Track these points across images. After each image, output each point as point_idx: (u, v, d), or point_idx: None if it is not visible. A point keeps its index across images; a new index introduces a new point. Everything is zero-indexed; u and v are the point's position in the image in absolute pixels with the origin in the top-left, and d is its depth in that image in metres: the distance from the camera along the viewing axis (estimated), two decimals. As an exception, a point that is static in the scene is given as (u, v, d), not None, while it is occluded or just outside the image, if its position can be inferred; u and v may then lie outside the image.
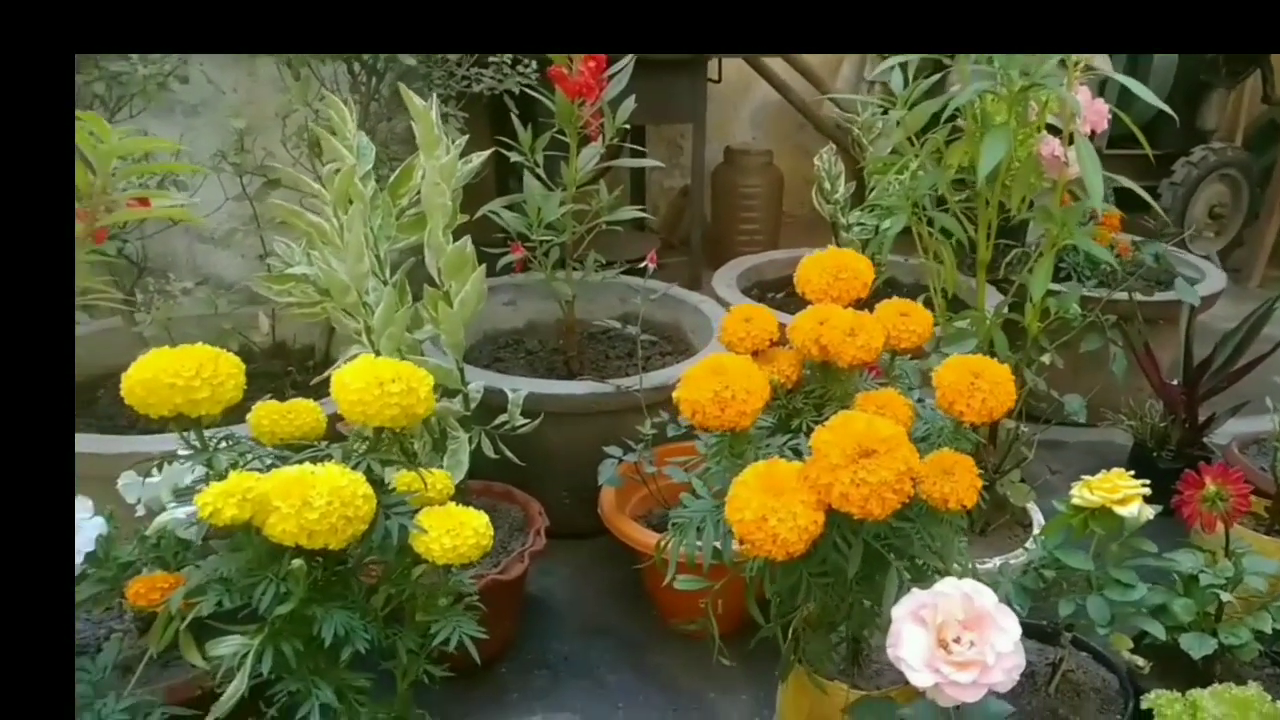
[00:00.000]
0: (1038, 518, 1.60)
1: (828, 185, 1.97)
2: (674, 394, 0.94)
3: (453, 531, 0.91)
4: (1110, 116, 1.35)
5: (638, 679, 1.55)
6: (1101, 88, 2.32)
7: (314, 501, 0.80)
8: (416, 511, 0.91)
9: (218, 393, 0.86)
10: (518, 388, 1.54)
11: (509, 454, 1.51)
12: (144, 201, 0.98)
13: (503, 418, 1.51)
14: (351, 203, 1.17)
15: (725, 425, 0.90)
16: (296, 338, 1.83)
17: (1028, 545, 1.48)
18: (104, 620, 1.23)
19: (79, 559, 1.12)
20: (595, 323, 2.03)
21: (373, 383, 0.88)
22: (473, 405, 1.44)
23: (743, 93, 3.86)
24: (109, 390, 1.65)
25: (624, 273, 1.94)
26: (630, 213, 1.80)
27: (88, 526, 1.15)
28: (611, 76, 1.65)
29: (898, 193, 1.58)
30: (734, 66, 3.24)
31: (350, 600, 0.87)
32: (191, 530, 1.18)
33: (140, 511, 1.22)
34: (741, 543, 0.86)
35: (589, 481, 1.69)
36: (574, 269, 1.84)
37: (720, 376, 0.90)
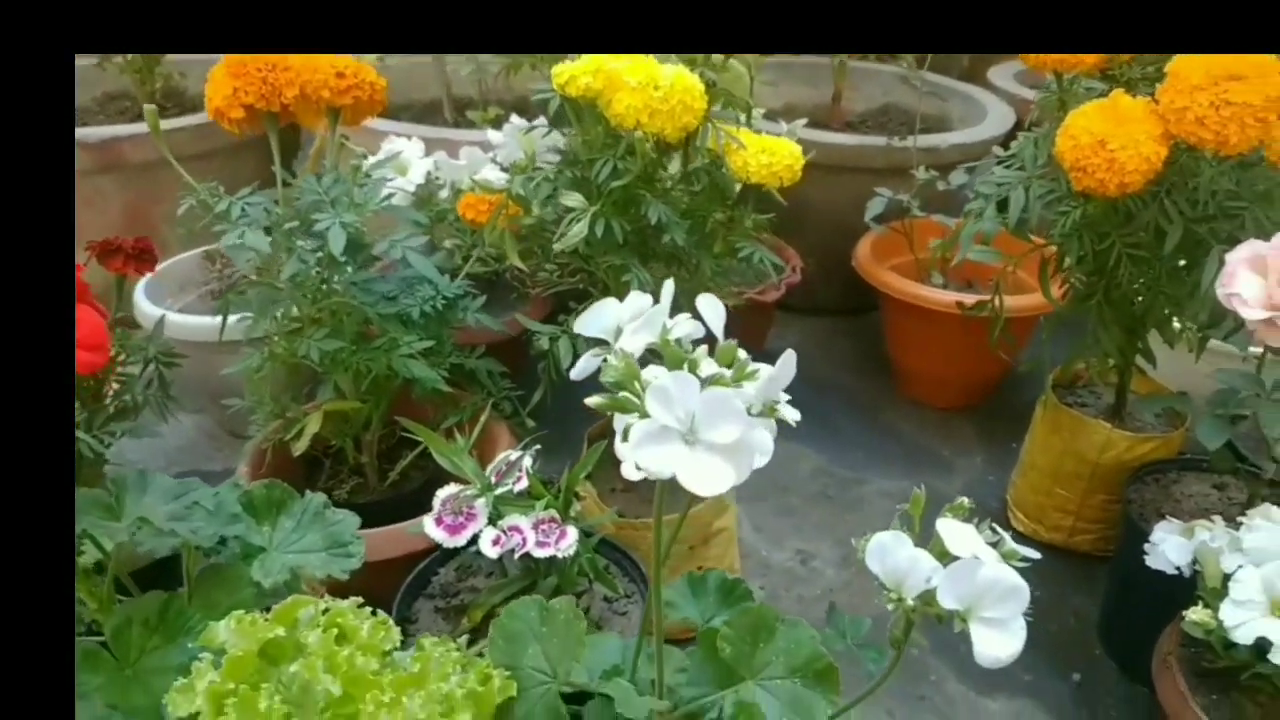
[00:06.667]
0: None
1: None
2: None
3: (768, 151, 0.95)
4: None
5: (872, 431, 1.58)
6: None
7: (660, 82, 0.86)
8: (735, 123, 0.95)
9: None
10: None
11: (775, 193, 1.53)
12: None
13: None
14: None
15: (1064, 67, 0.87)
16: None
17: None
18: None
19: (410, 187, 1.26)
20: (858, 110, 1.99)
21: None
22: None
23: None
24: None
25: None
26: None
27: (419, 165, 1.28)
28: None
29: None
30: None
31: (667, 199, 0.93)
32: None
33: (445, 194, 1.33)
34: (1072, 173, 0.84)
35: (837, 250, 1.69)
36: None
37: None
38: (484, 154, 1.33)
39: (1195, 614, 0.74)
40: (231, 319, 1.02)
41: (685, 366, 0.39)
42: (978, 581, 0.39)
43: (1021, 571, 0.41)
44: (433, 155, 1.33)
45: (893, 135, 1.67)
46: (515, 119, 1.20)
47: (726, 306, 0.55)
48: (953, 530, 0.42)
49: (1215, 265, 0.90)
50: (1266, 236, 0.88)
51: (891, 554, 0.42)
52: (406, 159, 1.28)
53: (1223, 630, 0.71)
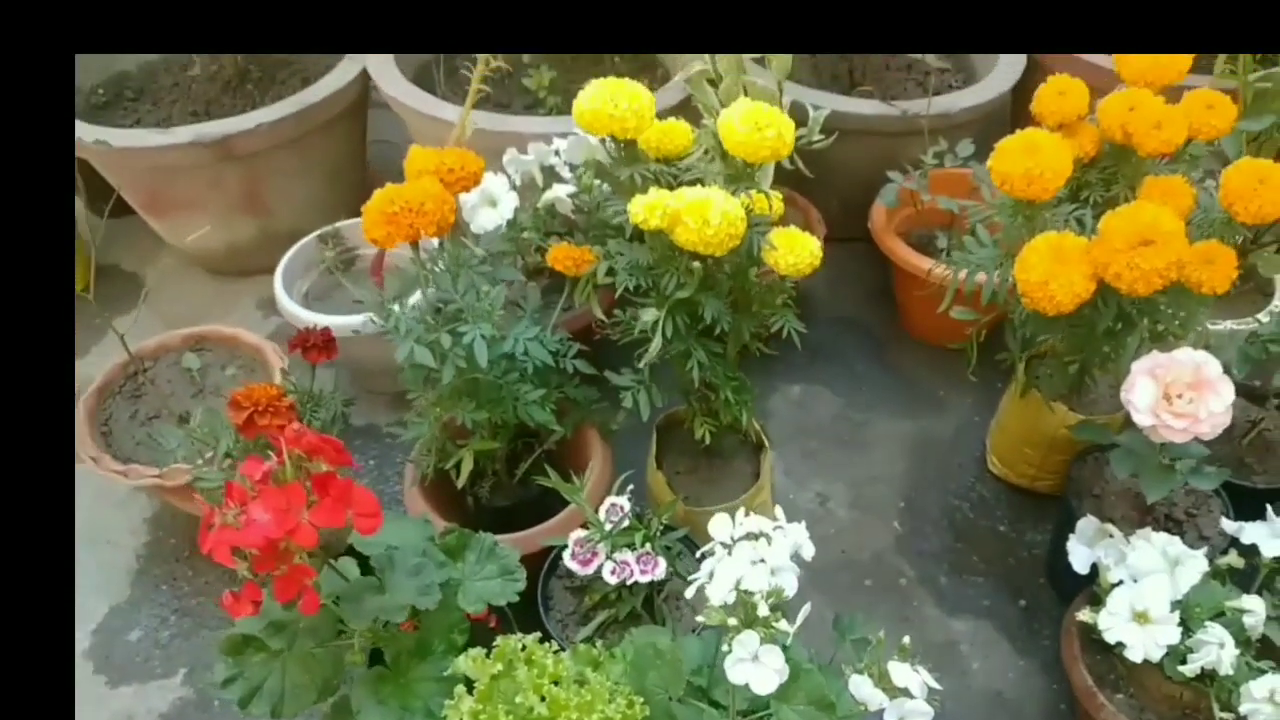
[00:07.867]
0: (1281, 292, 1.72)
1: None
2: (989, 163, 1.16)
3: (794, 250, 1.22)
4: None
5: (880, 369, 1.91)
6: None
7: (711, 221, 1.12)
8: (770, 229, 1.23)
9: (640, 123, 1.18)
10: (820, 104, 1.72)
11: (801, 166, 1.74)
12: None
13: (801, 132, 1.72)
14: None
15: (1029, 197, 1.12)
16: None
17: (1261, 317, 1.63)
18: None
19: (501, 224, 1.54)
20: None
21: (754, 128, 1.15)
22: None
23: None
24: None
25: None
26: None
27: (507, 199, 1.55)
28: None
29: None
30: None
31: (718, 293, 1.23)
32: (568, 206, 1.56)
33: (518, 182, 1.60)
34: (1023, 296, 1.12)
35: (858, 194, 1.93)
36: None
37: (1033, 156, 1.11)
38: (548, 146, 1.58)
39: (1084, 615, 1.12)
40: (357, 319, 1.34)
41: (753, 610, 0.74)
42: (905, 709, 0.76)
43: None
44: (504, 154, 1.59)
45: (905, 107, 1.86)
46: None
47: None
48: (898, 670, 0.78)
49: (1138, 340, 1.19)
50: (1178, 322, 1.17)
51: (859, 689, 0.78)
52: (495, 194, 1.54)
53: (1099, 628, 1.09)
